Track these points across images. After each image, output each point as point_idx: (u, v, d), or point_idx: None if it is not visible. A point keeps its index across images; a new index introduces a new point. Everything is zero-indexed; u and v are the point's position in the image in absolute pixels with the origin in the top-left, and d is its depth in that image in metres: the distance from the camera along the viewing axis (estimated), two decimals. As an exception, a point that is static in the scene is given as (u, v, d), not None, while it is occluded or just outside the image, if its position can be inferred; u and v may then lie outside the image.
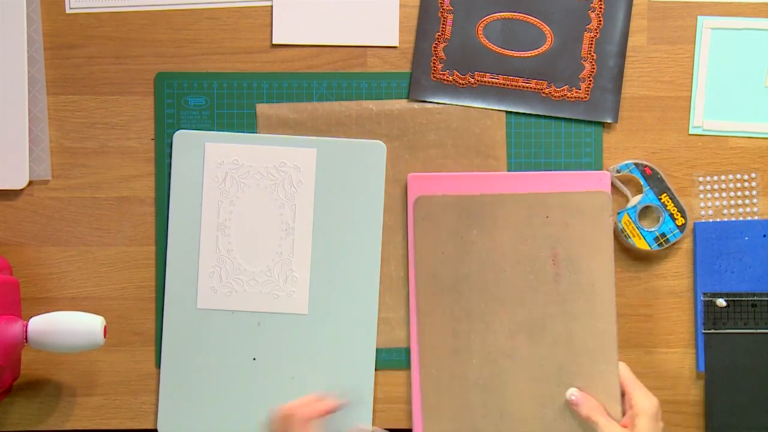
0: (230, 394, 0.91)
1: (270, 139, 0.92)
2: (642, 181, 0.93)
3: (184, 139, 0.92)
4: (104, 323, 0.85)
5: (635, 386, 0.85)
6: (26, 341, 0.85)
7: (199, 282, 0.91)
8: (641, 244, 0.93)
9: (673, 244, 0.94)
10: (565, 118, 0.94)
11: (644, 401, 0.83)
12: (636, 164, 0.93)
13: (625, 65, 0.94)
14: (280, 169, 0.91)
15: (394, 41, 0.94)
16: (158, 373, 0.93)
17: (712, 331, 0.94)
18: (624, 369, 0.87)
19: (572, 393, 0.87)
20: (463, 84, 0.94)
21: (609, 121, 0.94)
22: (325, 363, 0.91)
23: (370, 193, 0.92)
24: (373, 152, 0.92)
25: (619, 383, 0.87)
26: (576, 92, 0.94)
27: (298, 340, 0.91)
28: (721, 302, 0.93)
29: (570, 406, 0.87)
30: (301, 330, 0.91)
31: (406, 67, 0.94)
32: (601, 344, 0.88)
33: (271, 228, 0.91)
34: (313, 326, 0.91)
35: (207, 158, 0.91)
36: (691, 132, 0.95)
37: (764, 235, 0.93)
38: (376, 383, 0.93)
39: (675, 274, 0.95)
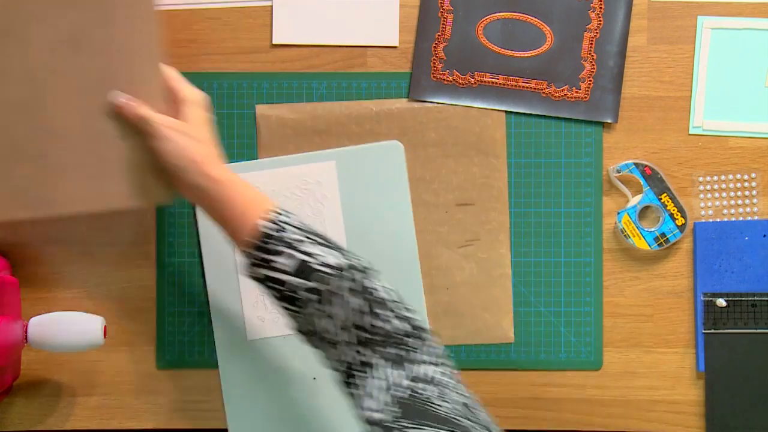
0: (295, 417, 0.91)
1: (287, 160, 0.91)
2: (642, 181, 0.93)
3: None
4: (104, 323, 0.85)
5: (181, 81, 0.81)
6: (26, 341, 0.85)
7: (245, 315, 0.91)
8: (641, 244, 0.93)
9: (673, 244, 0.94)
10: (565, 118, 0.94)
11: (192, 92, 0.80)
12: (636, 164, 0.93)
13: (625, 65, 0.94)
14: (302, 188, 0.91)
15: (394, 41, 0.94)
16: (222, 409, 0.94)
17: (712, 331, 0.94)
18: (169, 69, 0.81)
19: (117, 96, 0.79)
20: (463, 84, 0.94)
21: (609, 121, 0.94)
22: None
23: (396, 194, 0.92)
24: (392, 153, 0.92)
25: (162, 82, 0.81)
26: (576, 92, 0.94)
27: None
28: (721, 302, 0.93)
29: (117, 111, 0.79)
30: None
31: (406, 67, 0.94)
32: (142, 46, 0.80)
33: None
34: None
35: None
36: (691, 132, 0.95)
37: (764, 235, 0.93)
38: None
39: (675, 274, 0.95)
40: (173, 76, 0.81)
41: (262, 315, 0.91)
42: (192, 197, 0.78)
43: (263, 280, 0.72)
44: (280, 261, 0.71)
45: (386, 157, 0.92)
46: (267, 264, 0.71)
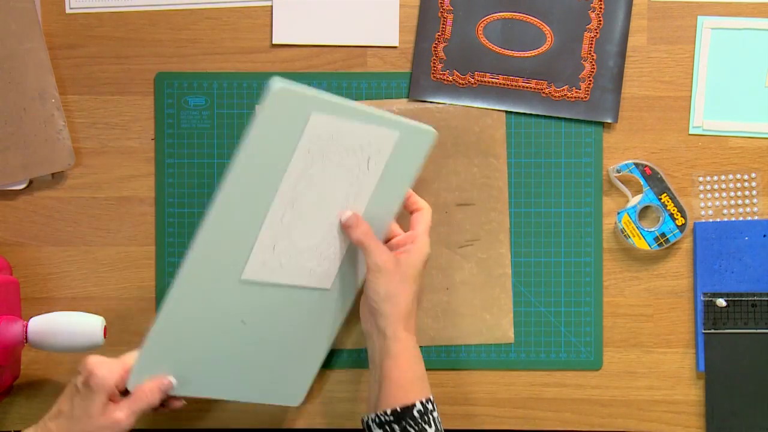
0: (216, 353, 0.83)
1: (367, 115, 0.80)
2: (642, 181, 0.93)
3: (283, 100, 0.73)
4: (104, 323, 0.85)
5: (425, 231, 0.84)
6: (26, 341, 0.85)
7: (254, 251, 0.79)
8: (641, 244, 0.93)
9: (673, 244, 0.94)
10: (565, 118, 0.94)
11: (424, 245, 0.83)
12: (636, 164, 0.93)
13: (625, 65, 0.94)
14: (363, 148, 0.81)
15: (394, 41, 0.94)
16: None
17: (712, 331, 0.94)
18: (428, 211, 0.85)
19: (347, 215, 0.82)
20: (463, 84, 0.94)
21: (609, 121, 0.94)
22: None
23: (410, 179, 0.86)
24: (427, 139, 0.85)
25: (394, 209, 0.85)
26: (576, 92, 0.94)
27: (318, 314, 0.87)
28: (721, 302, 0.93)
29: (343, 230, 0.83)
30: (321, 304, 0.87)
31: (406, 67, 0.94)
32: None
33: (337, 208, 0.83)
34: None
35: (308, 130, 0.76)
36: (691, 132, 0.95)
37: (764, 235, 0.93)
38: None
39: (675, 274, 0.95)
40: (425, 215, 0.85)
41: (270, 259, 0.81)
42: (368, 331, 0.84)
43: None
44: None
45: (420, 140, 0.85)
46: None
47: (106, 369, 0.75)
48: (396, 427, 0.78)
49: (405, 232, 0.87)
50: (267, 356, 0.86)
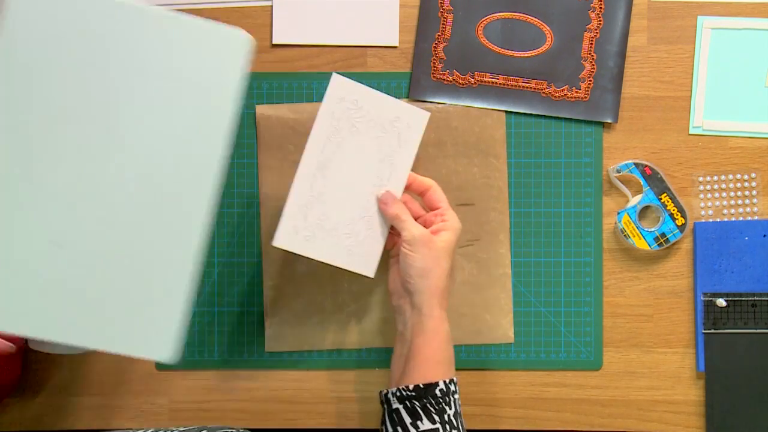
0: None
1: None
2: (642, 181, 0.93)
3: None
4: (104, 323, 0.85)
5: (448, 206, 0.85)
6: (26, 341, 0.85)
7: (283, 218, 0.82)
8: (641, 244, 0.93)
9: (673, 244, 0.94)
10: (565, 118, 0.94)
11: (455, 220, 0.84)
12: (636, 164, 0.93)
13: (625, 65, 0.94)
14: (393, 123, 0.85)
15: (394, 41, 0.94)
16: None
17: (712, 331, 0.94)
18: (437, 187, 0.86)
19: (383, 193, 0.85)
20: (463, 84, 0.94)
21: (609, 121, 0.94)
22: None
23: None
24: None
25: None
26: (576, 92, 0.94)
27: None
28: (721, 302, 0.93)
29: (380, 206, 0.85)
30: None
31: (406, 67, 0.94)
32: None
33: (365, 181, 0.85)
34: None
35: (330, 91, 0.83)
36: (691, 132, 0.95)
37: (764, 235, 0.93)
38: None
39: (675, 274, 0.95)
40: (442, 196, 0.86)
41: (302, 227, 0.83)
42: (400, 307, 0.84)
43: (391, 412, 0.79)
44: (424, 420, 0.77)
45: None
46: (412, 412, 0.78)
47: None
48: (416, 403, 0.78)
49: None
50: (97, 287, 0.71)
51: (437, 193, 0.86)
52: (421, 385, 0.78)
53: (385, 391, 0.81)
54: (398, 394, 0.79)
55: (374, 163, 0.85)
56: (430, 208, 0.86)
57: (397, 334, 0.85)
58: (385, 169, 0.85)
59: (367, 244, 0.85)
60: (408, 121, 0.85)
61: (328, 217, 0.84)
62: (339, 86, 0.83)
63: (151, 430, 0.81)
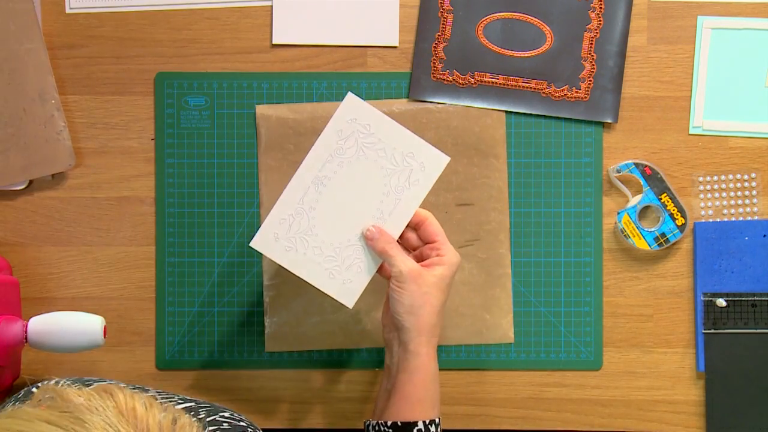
0: None
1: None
2: (642, 181, 0.93)
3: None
4: (104, 323, 0.85)
5: (445, 239, 0.82)
6: (26, 341, 0.85)
7: (265, 221, 0.83)
8: (641, 244, 0.93)
9: (673, 244, 0.94)
10: (565, 118, 0.94)
11: (452, 255, 0.81)
12: (636, 164, 0.93)
13: (625, 65, 0.94)
14: (406, 158, 0.83)
15: (394, 41, 0.94)
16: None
17: (712, 331, 0.94)
18: (433, 219, 0.83)
19: (369, 228, 0.82)
20: (463, 84, 0.94)
21: (609, 121, 0.94)
22: None
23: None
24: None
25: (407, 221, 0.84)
26: (576, 92, 0.94)
27: None
28: (721, 302, 0.93)
29: (366, 242, 0.83)
30: None
31: (406, 67, 0.94)
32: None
33: (364, 210, 0.83)
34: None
35: (342, 110, 0.82)
36: (691, 132, 0.95)
37: (764, 235, 0.93)
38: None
39: (675, 274, 0.95)
40: (439, 229, 0.83)
41: (279, 234, 0.83)
42: (389, 341, 0.82)
43: None
44: None
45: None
46: None
47: None
48: None
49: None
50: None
51: (433, 226, 0.82)
52: (399, 423, 0.78)
53: (368, 421, 0.81)
54: (377, 428, 0.79)
55: (378, 195, 0.83)
56: (425, 241, 0.83)
57: (384, 367, 0.84)
58: (389, 203, 0.83)
59: (353, 273, 0.84)
60: (423, 161, 0.83)
61: (314, 234, 0.83)
62: (352, 107, 0.81)
63: (152, 390, 0.79)
